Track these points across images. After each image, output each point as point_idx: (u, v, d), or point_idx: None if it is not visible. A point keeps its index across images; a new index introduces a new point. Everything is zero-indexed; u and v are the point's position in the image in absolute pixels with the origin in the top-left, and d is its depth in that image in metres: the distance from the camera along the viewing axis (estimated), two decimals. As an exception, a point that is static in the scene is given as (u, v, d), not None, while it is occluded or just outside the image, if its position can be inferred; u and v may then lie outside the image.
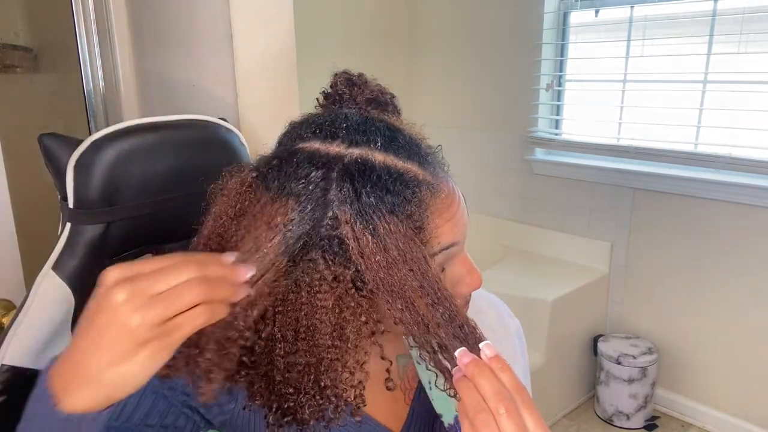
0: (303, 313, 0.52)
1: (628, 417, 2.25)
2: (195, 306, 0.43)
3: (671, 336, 2.30)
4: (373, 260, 0.49)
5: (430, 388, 0.67)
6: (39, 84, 2.17)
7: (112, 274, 0.43)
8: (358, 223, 0.49)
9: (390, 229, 0.50)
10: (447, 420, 0.66)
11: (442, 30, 2.81)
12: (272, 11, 1.25)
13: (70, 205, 0.79)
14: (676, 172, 2.17)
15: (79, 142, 0.79)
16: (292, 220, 0.50)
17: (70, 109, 1.80)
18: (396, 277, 0.50)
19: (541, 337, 2.17)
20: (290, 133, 0.57)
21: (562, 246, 2.52)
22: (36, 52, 2.18)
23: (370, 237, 0.49)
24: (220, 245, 0.54)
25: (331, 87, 0.61)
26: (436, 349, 0.50)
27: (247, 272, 0.48)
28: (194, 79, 1.40)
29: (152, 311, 0.42)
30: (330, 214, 0.50)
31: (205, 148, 0.87)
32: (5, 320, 0.83)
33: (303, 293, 0.52)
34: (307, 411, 0.55)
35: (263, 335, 0.53)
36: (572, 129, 2.53)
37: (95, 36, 1.61)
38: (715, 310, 2.17)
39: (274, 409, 0.56)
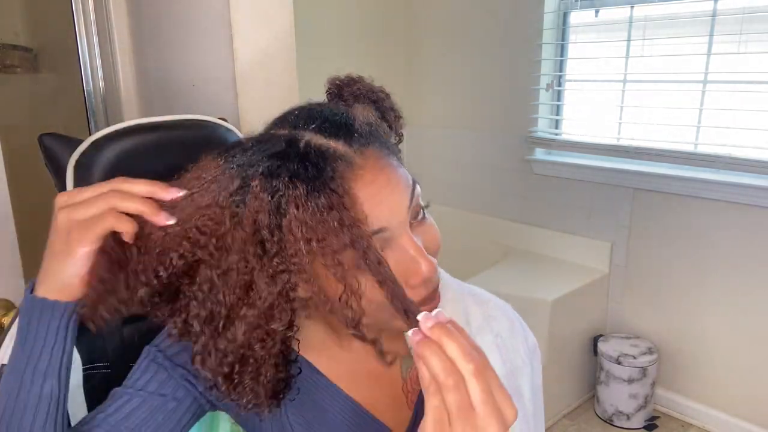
0: (220, 272, 0.54)
1: (628, 417, 2.25)
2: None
3: (671, 336, 2.30)
4: (288, 235, 0.50)
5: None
6: (39, 84, 2.17)
7: (60, 196, 0.56)
8: (273, 197, 0.51)
9: (304, 204, 0.50)
10: None
11: (442, 30, 2.81)
12: (272, 11, 1.25)
13: (70, 205, 0.78)
14: (676, 172, 2.17)
15: (79, 142, 0.79)
16: (221, 183, 0.53)
17: (70, 109, 1.80)
18: (307, 254, 0.51)
19: (541, 337, 2.17)
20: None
21: (562, 246, 2.52)
22: (36, 52, 2.18)
23: (291, 210, 0.50)
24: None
25: (326, 92, 0.64)
26: (349, 323, 0.53)
27: (175, 194, 0.55)
28: (194, 79, 1.40)
29: (74, 212, 0.54)
30: (251, 188, 0.52)
31: (205, 148, 0.87)
32: (5, 320, 0.83)
33: (224, 254, 0.53)
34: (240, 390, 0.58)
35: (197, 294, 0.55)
36: (572, 129, 2.53)
37: (95, 36, 1.61)
38: (715, 310, 2.17)
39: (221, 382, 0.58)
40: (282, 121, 0.58)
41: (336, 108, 0.59)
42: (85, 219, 0.54)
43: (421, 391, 0.69)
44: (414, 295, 0.54)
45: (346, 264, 0.51)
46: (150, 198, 0.55)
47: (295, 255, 0.51)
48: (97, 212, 0.54)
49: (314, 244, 0.50)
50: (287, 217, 0.50)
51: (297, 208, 0.50)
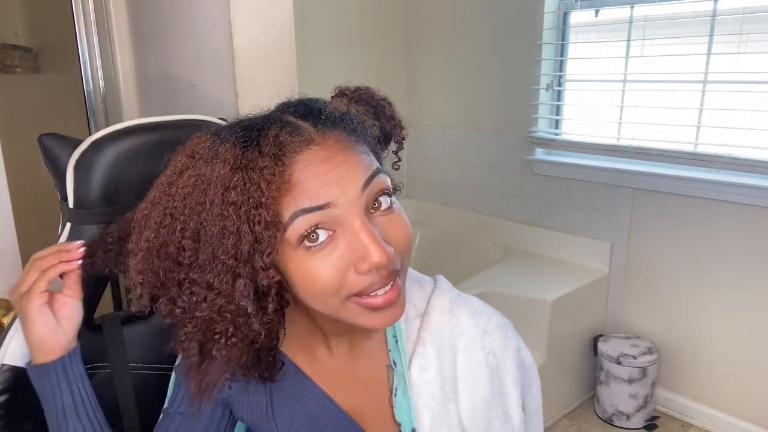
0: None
1: (628, 417, 2.25)
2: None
3: (671, 336, 2.30)
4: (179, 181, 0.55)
5: (395, 395, 0.67)
6: (39, 84, 2.18)
7: (9, 294, 0.71)
8: (233, 162, 0.53)
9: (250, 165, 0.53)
10: (405, 430, 0.66)
11: (442, 30, 2.81)
12: (272, 11, 1.25)
13: (70, 205, 0.79)
14: (676, 172, 2.17)
15: (79, 142, 0.79)
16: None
17: (70, 109, 1.80)
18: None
19: (541, 337, 2.17)
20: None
21: (562, 246, 2.52)
22: (36, 52, 2.18)
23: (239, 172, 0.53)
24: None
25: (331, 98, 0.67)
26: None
27: (75, 248, 0.69)
28: (194, 79, 1.40)
29: (17, 290, 0.68)
30: (219, 153, 0.56)
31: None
32: (5, 320, 0.83)
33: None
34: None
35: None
36: (572, 129, 2.53)
37: (95, 36, 1.61)
38: (715, 310, 2.17)
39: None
40: (275, 107, 0.62)
41: (318, 99, 0.63)
42: (25, 290, 0.67)
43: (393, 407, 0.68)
44: (362, 281, 0.54)
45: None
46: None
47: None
48: (30, 279, 0.67)
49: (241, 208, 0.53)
50: (237, 176, 0.52)
51: (242, 170, 0.52)
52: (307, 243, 0.53)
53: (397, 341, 0.68)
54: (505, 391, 0.68)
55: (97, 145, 0.78)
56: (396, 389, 0.67)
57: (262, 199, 0.51)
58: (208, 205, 0.52)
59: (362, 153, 0.56)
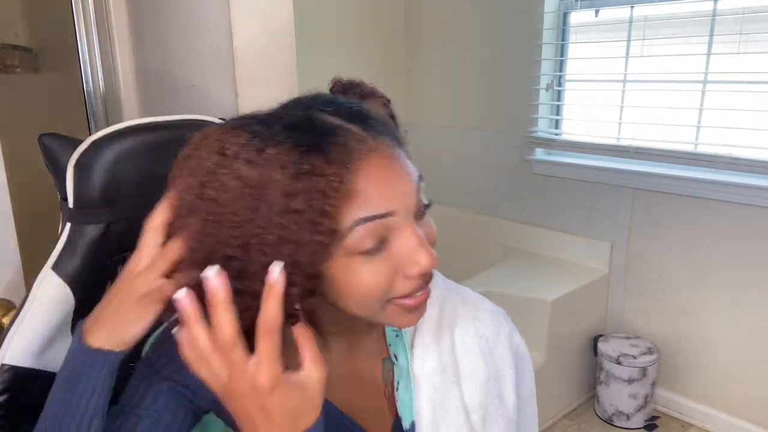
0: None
1: (628, 417, 2.25)
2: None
3: (671, 336, 2.30)
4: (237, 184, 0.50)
5: (397, 389, 0.67)
6: (39, 84, 2.18)
7: (133, 262, 0.59)
8: (285, 167, 0.50)
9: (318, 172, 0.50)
10: (405, 423, 0.66)
11: (441, 30, 2.81)
12: (272, 11, 1.25)
13: (70, 205, 0.79)
14: (676, 172, 2.17)
15: (79, 142, 0.79)
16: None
17: (70, 109, 1.80)
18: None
19: (541, 337, 2.17)
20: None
21: (562, 246, 2.52)
22: (36, 52, 2.18)
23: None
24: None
25: (330, 91, 0.65)
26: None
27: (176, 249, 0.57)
28: (194, 79, 1.40)
29: (146, 276, 0.57)
30: (266, 154, 0.52)
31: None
32: (5, 320, 0.83)
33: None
34: None
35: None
36: (572, 129, 2.53)
37: (95, 36, 1.61)
38: (715, 310, 2.17)
39: None
40: (294, 104, 0.58)
41: (349, 99, 0.60)
42: (153, 288, 0.57)
43: (394, 397, 0.68)
44: (407, 285, 0.55)
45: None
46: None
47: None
48: (173, 254, 0.56)
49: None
50: (300, 183, 0.49)
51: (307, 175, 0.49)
52: (364, 250, 0.53)
53: (396, 335, 0.69)
54: (500, 375, 0.71)
55: (97, 145, 0.78)
56: (398, 383, 0.67)
57: (326, 207, 0.49)
58: (263, 212, 0.49)
59: (407, 159, 0.57)
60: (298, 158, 0.49)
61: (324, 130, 0.52)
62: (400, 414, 0.66)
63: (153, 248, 0.57)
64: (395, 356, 0.68)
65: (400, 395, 0.67)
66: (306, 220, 0.49)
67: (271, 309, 0.49)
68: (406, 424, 0.66)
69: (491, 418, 0.69)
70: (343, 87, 0.65)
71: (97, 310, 0.59)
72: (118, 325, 0.57)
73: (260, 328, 0.50)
